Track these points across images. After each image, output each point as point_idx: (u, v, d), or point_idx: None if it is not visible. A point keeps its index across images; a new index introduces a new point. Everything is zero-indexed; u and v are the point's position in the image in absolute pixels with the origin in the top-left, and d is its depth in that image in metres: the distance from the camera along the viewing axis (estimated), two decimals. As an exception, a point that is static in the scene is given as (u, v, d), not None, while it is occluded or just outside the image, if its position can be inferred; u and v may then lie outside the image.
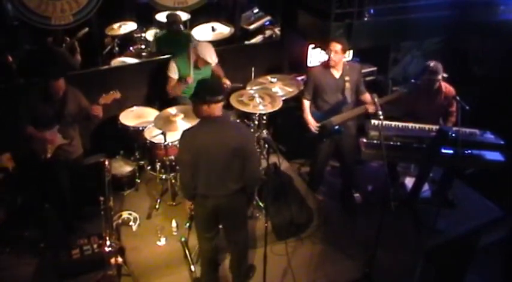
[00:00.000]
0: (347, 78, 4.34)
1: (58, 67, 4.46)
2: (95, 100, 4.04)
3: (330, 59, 4.27)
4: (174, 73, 4.77)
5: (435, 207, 4.34)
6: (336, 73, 4.37)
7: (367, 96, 4.49)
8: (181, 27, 5.36)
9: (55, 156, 4.08)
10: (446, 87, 4.57)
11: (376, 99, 4.00)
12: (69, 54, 4.97)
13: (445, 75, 4.56)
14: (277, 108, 4.47)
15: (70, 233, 4.28)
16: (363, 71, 4.95)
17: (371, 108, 4.27)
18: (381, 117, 3.92)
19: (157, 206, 4.70)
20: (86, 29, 4.91)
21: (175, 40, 5.17)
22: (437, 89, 4.55)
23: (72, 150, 4.21)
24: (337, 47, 4.21)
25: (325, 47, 4.29)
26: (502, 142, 4.33)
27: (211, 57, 4.63)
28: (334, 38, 4.27)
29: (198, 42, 4.92)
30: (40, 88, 3.93)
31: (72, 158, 4.22)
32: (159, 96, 5.18)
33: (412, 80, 4.84)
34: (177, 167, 4.51)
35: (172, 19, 5.25)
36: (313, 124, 4.46)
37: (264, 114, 4.66)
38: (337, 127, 4.41)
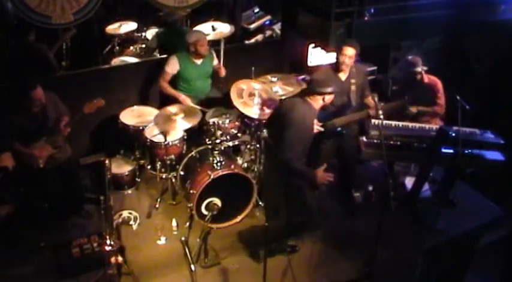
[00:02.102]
0: (353, 81, 4.26)
1: (33, 76, 4.37)
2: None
3: (343, 63, 4.14)
4: (170, 67, 4.76)
5: (435, 207, 4.34)
6: (343, 75, 4.27)
7: (370, 100, 4.48)
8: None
9: (46, 165, 4.03)
10: (429, 78, 4.62)
11: (376, 99, 3.99)
12: (50, 52, 4.88)
13: (425, 68, 4.74)
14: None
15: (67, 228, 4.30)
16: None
17: (373, 112, 4.25)
18: (381, 116, 3.92)
19: (157, 205, 4.70)
20: (74, 31, 4.88)
21: (177, 35, 5.17)
22: (419, 82, 4.64)
23: (61, 156, 4.15)
24: (351, 52, 4.10)
25: (337, 52, 4.16)
26: (502, 141, 4.34)
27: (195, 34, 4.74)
28: (347, 43, 4.11)
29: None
30: (18, 104, 3.81)
31: (62, 160, 4.17)
32: (159, 95, 5.19)
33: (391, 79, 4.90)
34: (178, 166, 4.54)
35: (174, 18, 5.30)
36: (315, 124, 4.44)
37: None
38: (339, 129, 4.39)
